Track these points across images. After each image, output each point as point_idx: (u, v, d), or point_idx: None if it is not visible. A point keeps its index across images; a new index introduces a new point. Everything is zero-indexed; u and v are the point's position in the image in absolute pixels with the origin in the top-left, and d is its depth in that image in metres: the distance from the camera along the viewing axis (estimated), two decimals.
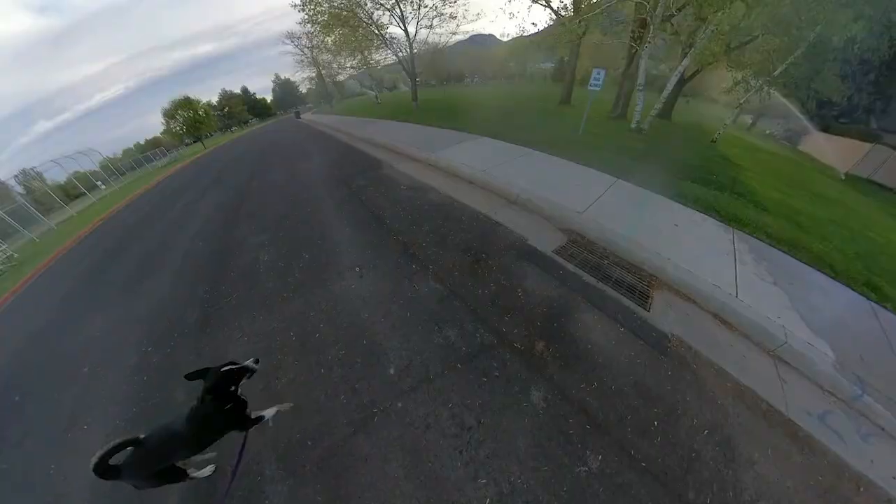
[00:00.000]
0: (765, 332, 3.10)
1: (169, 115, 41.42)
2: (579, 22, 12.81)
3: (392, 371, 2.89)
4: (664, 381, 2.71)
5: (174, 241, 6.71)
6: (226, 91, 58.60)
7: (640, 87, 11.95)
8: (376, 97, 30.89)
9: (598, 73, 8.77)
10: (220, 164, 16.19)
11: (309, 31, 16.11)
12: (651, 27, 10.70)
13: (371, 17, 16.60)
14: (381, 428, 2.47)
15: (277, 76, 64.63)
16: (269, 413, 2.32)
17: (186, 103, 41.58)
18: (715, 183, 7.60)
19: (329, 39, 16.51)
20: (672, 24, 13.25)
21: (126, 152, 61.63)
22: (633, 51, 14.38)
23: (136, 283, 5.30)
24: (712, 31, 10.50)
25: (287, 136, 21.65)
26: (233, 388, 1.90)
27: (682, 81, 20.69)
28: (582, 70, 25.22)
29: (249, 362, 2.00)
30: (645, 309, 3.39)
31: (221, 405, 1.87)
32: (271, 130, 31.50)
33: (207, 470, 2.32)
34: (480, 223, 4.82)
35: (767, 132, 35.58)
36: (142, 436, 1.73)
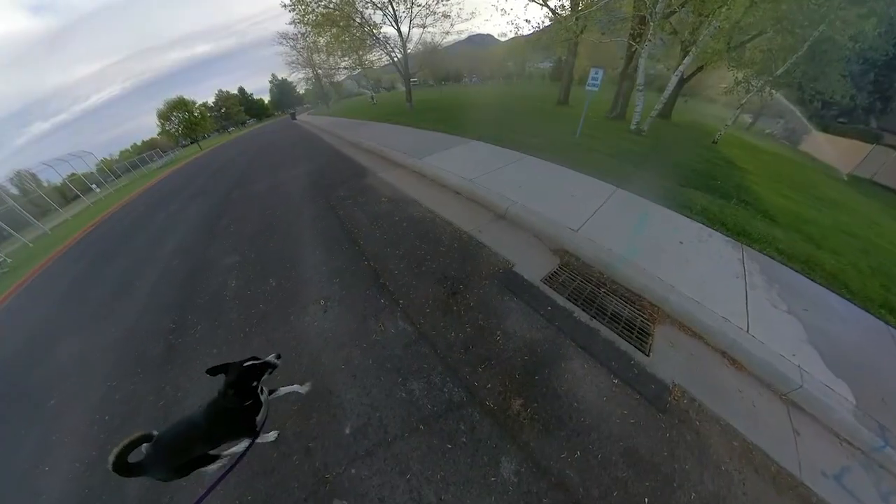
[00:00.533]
0: (778, 373, 2.66)
1: (163, 116, 40.76)
2: (576, 19, 12.27)
3: (348, 430, 2.45)
4: (661, 445, 2.25)
5: (152, 258, 6.39)
6: (222, 92, 58.04)
7: (640, 88, 11.41)
8: (372, 98, 30.32)
9: (596, 73, 8.24)
10: (209, 171, 15.60)
11: (301, 32, 15.46)
12: (651, 24, 10.16)
13: (363, 17, 16.01)
14: (330, 500, 2.10)
15: (275, 76, 63.90)
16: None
17: (181, 104, 40.92)
18: (720, 190, 7.10)
19: (321, 40, 15.91)
20: (670, 24, 12.74)
21: (123, 153, 61.08)
22: (632, 49, 13.86)
23: (111, 306, 4.99)
24: (716, 28, 9.95)
25: (279, 138, 21.17)
26: (255, 383, 1.87)
27: (681, 81, 20.22)
28: (580, 70, 24.67)
29: (271, 358, 1.98)
30: (644, 352, 2.88)
31: (241, 401, 1.83)
32: (266, 132, 30.94)
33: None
34: (462, 244, 4.28)
35: (767, 131, 35.09)
36: (155, 432, 1.75)
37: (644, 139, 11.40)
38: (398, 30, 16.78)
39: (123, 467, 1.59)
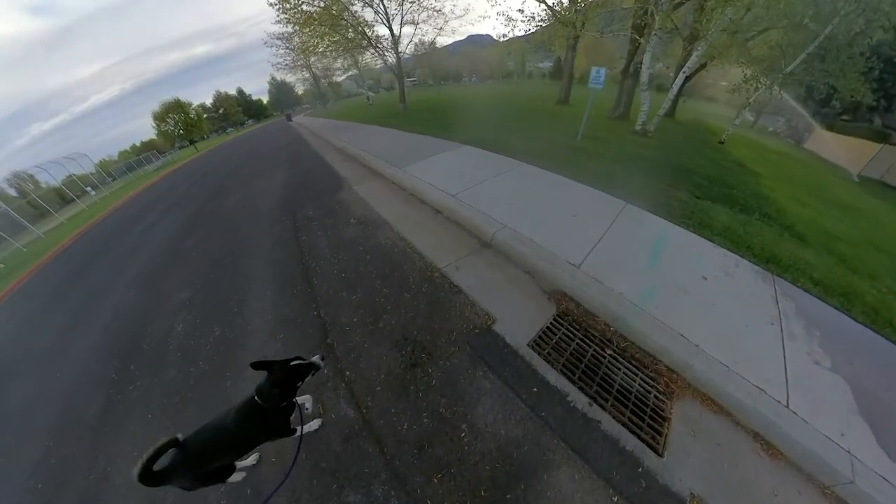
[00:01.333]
0: (824, 464, 2.00)
1: (159, 117, 39.92)
2: (575, 11, 11.37)
3: None
4: None
5: (113, 285, 5.75)
6: (220, 93, 57.14)
7: (645, 86, 10.51)
8: (367, 98, 29.42)
9: (599, 72, 7.41)
10: (194, 177, 14.72)
11: (289, 32, 14.53)
12: (657, 17, 9.25)
13: (354, 16, 15.10)
14: None
15: (273, 78, 62.96)
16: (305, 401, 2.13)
17: (177, 106, 40.06)
18: (739, 201, 6.26)
19: (313, 41, 14.93)
20: (672, 20, 11.81)
21: (122, 154, 60.28)
22: (635, 46, 12.96)
23: (64, 346, 4.44)
24: (729, 20, 9.04)
25: (269, 141, 20.39)
26: (298, 384, 1.76)
27: (685, 79, 19.30)
28: (580, 69, 23.75)
29: (316, 359, 1.88)
30: (657, 451, 2.08)
31: (282, 400, 1.71)
32: (260, 134, 30.15)
33: (252, 459, 2.16)
34: (433, 289, 3.43)
35: (770, 129, 34.02)
36: (180, 436, 1.59)
37: (651, 141, 10.51)
38: (389, 28, 15.91)
39: (149, 476, 1.45)
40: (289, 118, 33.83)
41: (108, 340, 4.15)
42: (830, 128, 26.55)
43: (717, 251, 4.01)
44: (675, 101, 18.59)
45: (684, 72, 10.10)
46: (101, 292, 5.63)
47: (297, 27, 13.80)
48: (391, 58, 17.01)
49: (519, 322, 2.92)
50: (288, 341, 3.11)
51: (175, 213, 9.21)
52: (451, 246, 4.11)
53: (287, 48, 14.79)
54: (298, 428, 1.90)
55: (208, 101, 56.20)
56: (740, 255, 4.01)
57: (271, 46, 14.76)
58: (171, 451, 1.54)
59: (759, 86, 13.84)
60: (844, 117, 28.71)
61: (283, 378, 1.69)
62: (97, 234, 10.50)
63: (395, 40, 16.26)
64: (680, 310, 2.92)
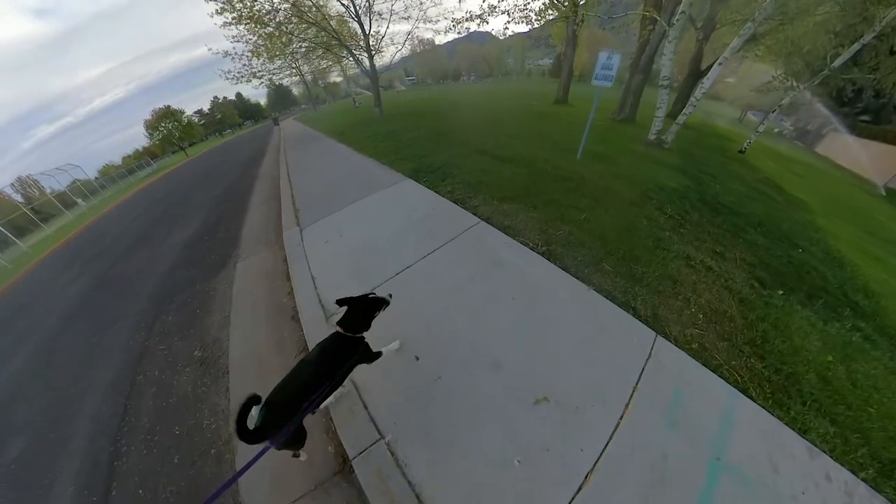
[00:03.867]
0: None
1: (152, 126, 37.74)
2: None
3: None
4: None
5: None
6: (217, 99, 54.50)
7: (665, 82, 7.83)
8: (353, 101, 26.84)
9: (610, 59, 4.83)
10: (142, 207, 12.18)
11: (242, 33, 11.73)
12: None
13: (318, 8, 12.46)
14: None
15: (271, 80, 59.78)
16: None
17: (169, 114, 37.81)
18: (816, 281, 3.74)
19: (276, 44, 12.17)
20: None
21: (126, 160, 58.25)
22: (648, 32, 10.23)
23: None
24: None
25: (237, 154, 18.36)
26: (375, 313, 1.86)
27: (698, 74, 16.43)
28: (580, 65, 20.90)
29: (387, 296, 1.94)
30: None
31: (363, 328, 1.82)
32: (239, 142, 27.93)
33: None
34: None
35: (776, 130, 30.63)
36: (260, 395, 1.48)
37: (670, 156, 7.89)
38: (359, 23, 13.29)
39: (246, 434, 1.35)
40: (276, 122, 31.65)
41: None
42: (852, 130, 22.67)
43: (821, 462, 1.51)
44: (683, 101, 15.82)
45: (720, 62, 7.37)
46: None
47: (248, 26, 11.12)
48: (363, 57, 14.39)
49: None
50: None
51: (82, 282, 6.25)
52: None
53: (245, 53, 11.95)
54: (383, 349, 2.09)
55: (205, 107, 53.86)
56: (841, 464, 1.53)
57: (229, 57, 11.92)
58: (261, 410, 1.44)
59: (795, 86, 11.15)
60: (864, 118, 24.82)
61: (366, 306, 1.80)
62: (25, 290, 7.73)
63: (367, 37, 13.61)
64: None
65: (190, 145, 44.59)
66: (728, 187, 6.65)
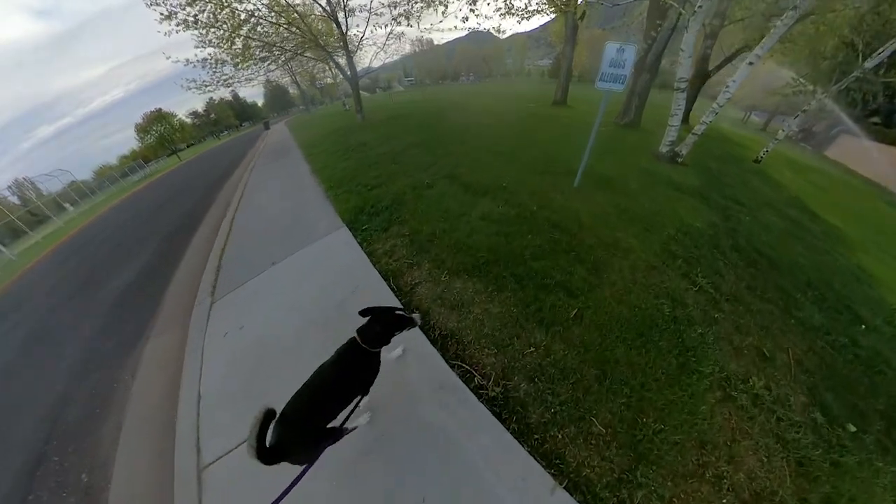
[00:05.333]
0: None
1: (143, 130, 36.26)
2: None
3: None
4: None
5: None
6: (212, 100, 52.88)
7: (682, 86, 6.32)
8: (344, 103, 25.33)
9: (621, 53, 3.35)
10: (110, 232, 10.37)
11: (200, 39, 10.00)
12: None
13: (293, 9, 10.91)
14: None
15: (269, 81, 58.28)
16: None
17: (160, 118, 36.31)
18: (890, 373, 2.26)
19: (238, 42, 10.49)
20: None
21: (122, 160, 56.79)
22: (656, 27, 8.71)
23: None
24: None
25: (218, 164, 16.96)
26: (396, 332, 1.61)
27: (705, 75, 14.84)
28: (579, 65, 19.32)
29: (416, 316, 1.69)
30: None
31: (380, 344, 1.57)
32: (226, 148, 26.57)
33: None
34: None
35: (781, 132, 28.78)
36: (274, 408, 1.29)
37: (687, 174, 6.41)
38: (334, 19, 11.76)
39: (264, 453, 1.19)
40: (266, 126, 30.24)
41: None
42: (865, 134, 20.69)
43: None
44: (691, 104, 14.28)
45: (750, 61, 5.85)
46: None
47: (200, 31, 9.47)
48: (341, 58, 12.88)
49: None
50: None
51: (24, 325, 5.03)
52: None
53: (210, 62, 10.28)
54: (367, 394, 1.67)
55: (200, 108, 52.20)
56: None
57: (191, 65, 10.21)
58: (275, 426, 1.28)
59: (814, 89, 9.71)
60: (875, 120, 22.88)
61: (389, 320, 1.59)
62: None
63: (344, 36, 12.08)
64: None
65: (188, 146, 43.31)
66: (759, 219, 5.22)
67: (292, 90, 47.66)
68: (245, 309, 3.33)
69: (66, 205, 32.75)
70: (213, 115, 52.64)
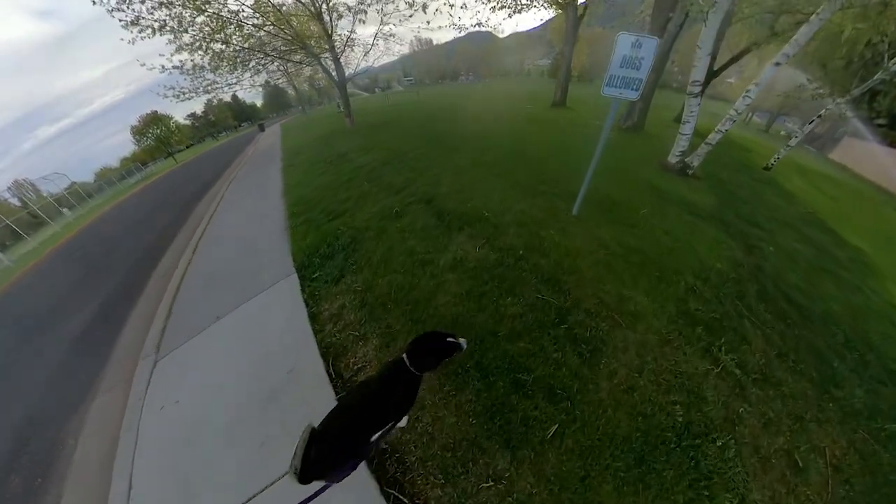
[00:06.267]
0: None
1: (139, 132, 35.48)
2: None
3: None
4: None
5: None
6: (211, 101, 51.84)
7: (696, 89, 5.48)
8: (338, 105, 24.51)
9: (640, 48, 2.47)
10: (82, 252, 9.42)
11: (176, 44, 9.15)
12: None
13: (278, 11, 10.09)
14: None
15: (267, 82, 57.01)
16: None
17: (156, 120, 35.50)
18: None
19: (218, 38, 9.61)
20: None
21: (124, 161, 56.01)
22: (664, 22, 7.86)
23: None
24: None
25: (205, 171, 16.28)
26: (445, 359, 1.46)
27: (709, 76, 13.95)
28: (580, 65, 18.43)
29: (463, 341, 1.47)
30: None
31: (425, 369, 1.43)
32: (221, 150, 25.72)
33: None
34: None
35: (783, 133, 27.79)
36: (315, 426, 1.26)
37: (700, 190, 5.61)
38: (319, 18, 10.93)
39: (306, 474, 1.13)
40: (261, 128, 29.55)
41: None
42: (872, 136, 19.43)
43: None
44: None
45: (776, 62, 5.01)
46: None
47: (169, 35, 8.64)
48: (327, 60, 12.04)
49: None
50: None
51: None
52: None
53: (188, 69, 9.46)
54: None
55: (199, 110, 51.31)
56: None
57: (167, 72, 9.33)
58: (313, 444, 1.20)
59: (828, 94, 8.90)
60: (880, 122, 21.60)
61: (439, 350, 1.44)
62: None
63: (330, 37, 11.24)
64: None
65: (188, 147, 42.74)
66: (782, 246, 4.47)
67: (290, 91, 46.77)
68: (184, 375, 2.80)
69: (64, 209, 32.24)
70: (211, 117, 51.80)
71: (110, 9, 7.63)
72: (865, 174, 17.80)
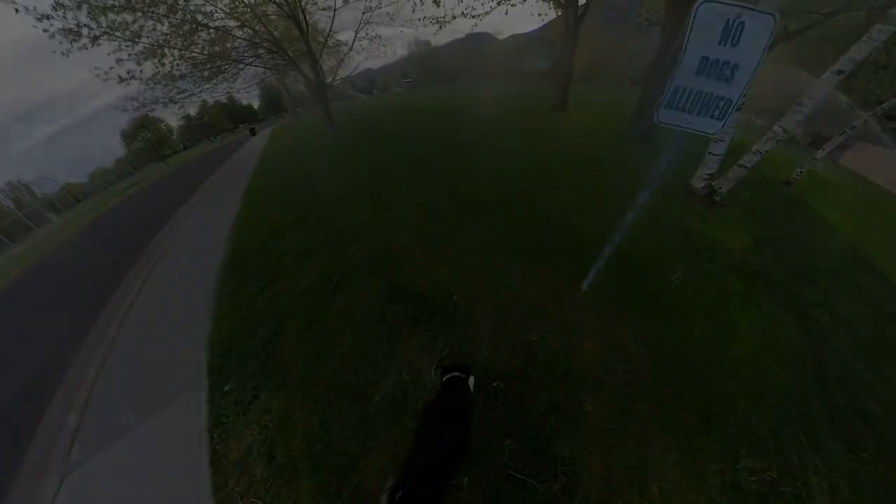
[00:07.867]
0: None
1: (129, 136, 34.32)
2: None
3: None
4: None
5: None
6: (206, 102, 50.25)
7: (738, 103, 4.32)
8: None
9: (742, 31, 1.19)
10: (42, 279, 8.70)
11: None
12: None
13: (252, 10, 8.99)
14: None
15: (264, 82, 55.60)
16: None
17: (148, 122, 34.35)
18: None
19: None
20: None
21: (118, 162, 54.76)
22: (680, 17, 6.67)
23: None
24: None
25: (184, 182, 15.48)
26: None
27: None
28: (581, 66, 17.22)
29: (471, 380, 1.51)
30: None
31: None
32: (205, 159, 24.54)
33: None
34: None
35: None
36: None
37: (733, 226, 4.46)
38: (293, 18, 9.78)
39: None
40: (252, 132, 28.46)
41: None
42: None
43: None
44: None
45: (838, 69, 3.87)
46: None
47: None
48: (304, 64, 10.91)
49: None
50: None
51: None
52: None
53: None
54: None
55: (193, 112, 49.95)
56: None
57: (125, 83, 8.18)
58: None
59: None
60: (893, 125, 20.03)
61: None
62: None
63: (306, 36, 10.09)
64: None
65: (185, 148, 41.82)
66: (837, 312, 3.27)
67: (284, 92, 45.50)
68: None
69: (50, 215, 31.32)
70: (205, 119, 50.50)
71: (38, 16, 6.54)
72: (880, 181, 16.44)
